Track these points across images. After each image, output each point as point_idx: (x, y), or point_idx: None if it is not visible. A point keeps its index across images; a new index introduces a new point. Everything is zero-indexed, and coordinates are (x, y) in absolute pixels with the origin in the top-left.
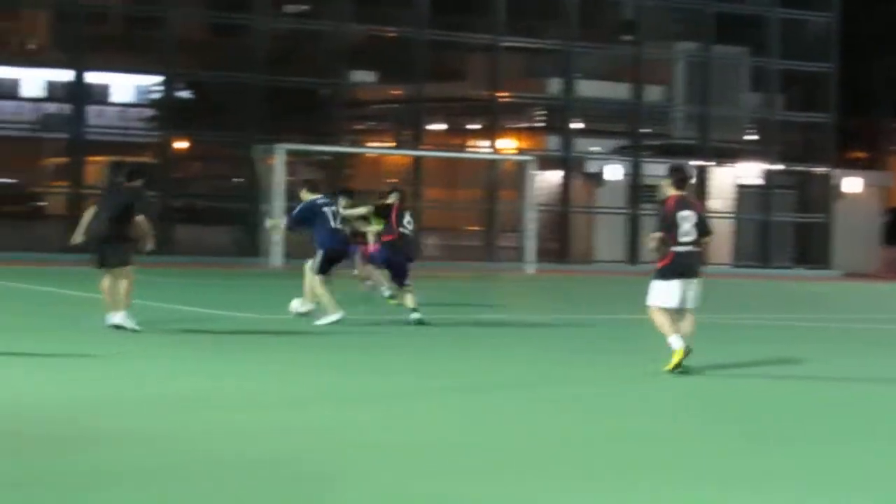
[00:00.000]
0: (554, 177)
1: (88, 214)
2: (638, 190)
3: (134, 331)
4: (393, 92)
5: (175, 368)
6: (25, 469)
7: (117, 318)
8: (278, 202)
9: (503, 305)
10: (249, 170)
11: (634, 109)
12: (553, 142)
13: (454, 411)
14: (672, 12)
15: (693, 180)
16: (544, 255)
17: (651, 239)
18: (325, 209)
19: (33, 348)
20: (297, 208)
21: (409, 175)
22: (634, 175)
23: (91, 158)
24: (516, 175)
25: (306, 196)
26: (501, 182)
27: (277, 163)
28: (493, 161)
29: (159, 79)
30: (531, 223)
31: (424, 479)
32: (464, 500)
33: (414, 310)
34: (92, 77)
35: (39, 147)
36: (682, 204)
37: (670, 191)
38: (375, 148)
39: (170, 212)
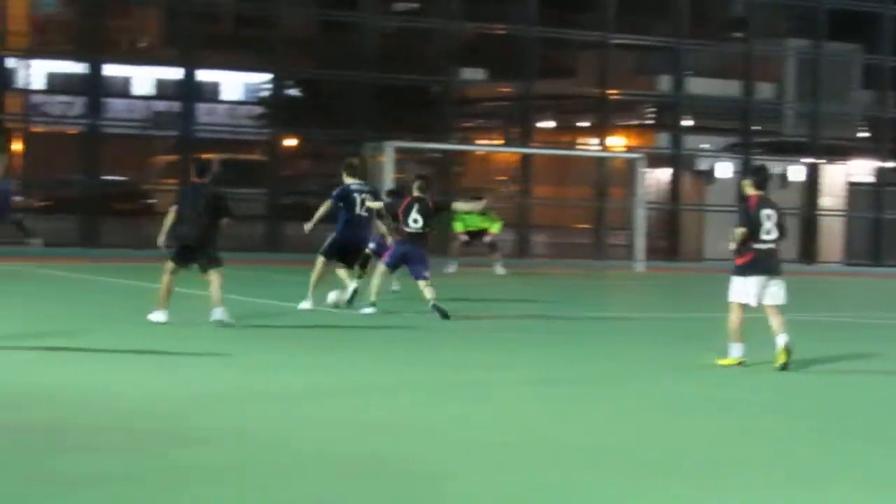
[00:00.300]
0: (663, 174)
1: (171, 215)
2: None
3: (230, 325)
4: (502, 89)
5: (278, 365)
6: (134, 464)
7: (218, 314)
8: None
9: (612, 303)
10: (359, 167)
11: (745, 107)
12: (663, 139)
13: (553, 408)
14: (783, 9)
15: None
16: (654, 253)
17: (734, 235)
18: (356, 195)
19: (140, 345)
20: (336, 190)
21: (518, 172)
22: (744, 173)
23: (201, 156)
24: (626, 172)
25: (345, 179)
26: (611, 180)
27: (387, 160)
28: (602, 158)
29: (269, 77)
30: (641, 221)
31: (527, 476)
32: (572, 499)
33: (434, 305)
34: (202, 75)
35: (149, 145)
36: (764, 203)
37: (751, 190)
38: (484, 145)
39: (279, 209)
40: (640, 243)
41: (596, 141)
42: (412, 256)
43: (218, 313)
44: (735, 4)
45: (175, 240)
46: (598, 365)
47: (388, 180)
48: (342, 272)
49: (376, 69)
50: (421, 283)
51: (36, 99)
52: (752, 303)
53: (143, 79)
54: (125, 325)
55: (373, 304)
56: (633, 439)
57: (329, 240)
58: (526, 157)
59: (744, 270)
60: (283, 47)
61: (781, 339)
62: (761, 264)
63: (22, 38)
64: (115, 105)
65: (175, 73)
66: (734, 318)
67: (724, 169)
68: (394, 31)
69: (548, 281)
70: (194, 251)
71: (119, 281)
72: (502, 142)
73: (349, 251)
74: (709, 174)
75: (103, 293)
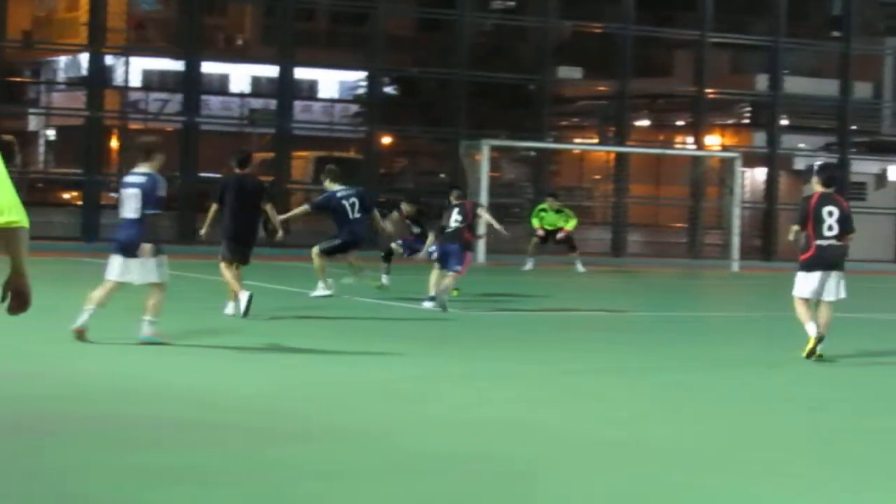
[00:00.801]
0: (759, 174)
1: (213, 210)
2: (846, 187)
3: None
4: (598, 88)
5: (370, 359)
6: (236, 461)
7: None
8: (483, 197)
9: (709, 302)
10: (455, 165)
11: (842, 106)
12: (759, 138)
13: (655, 405)
14: (882, 7)
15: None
16: (748, 252)
17: (791, 232)
18: (344, 201)
19: (231, 341)
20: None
21: (613, 171)
22: (842, 172)
23: (297, 153)
24: (722, 172)
25: (329, 186)
26: (707, 179)
27: (483, 158)
28: (698, 158)
29: (365, 74)
30: (736, 220)
31: (632, 474)
32: (680, 499)
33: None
34: (298, 73)
35: (246, 142)
36: (826, 200)
37: (818, 188)
38: (580, 144)
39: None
40: (735, 242)
41: (692, 140)
42: (451, 251)
43: (233, 306)
44: (833, 3)
45: (222, 235)
46: (701, 362)
47: (484, 178)
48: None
49: (472, 67)
50: (449, 274)
51: (133, 96)
52: (812, 296)
53: (240, 76)
54: (219, 321)
55: (431, 299)
56: (739, 438)
57: (329, 242)
58: (621, 156)
59: (807, 266)
60: (380, 45)
61: (812, 329)
62: (823, 260)
63: (120, 35)
64: (212, 102)
65: (271, 71)
66: (799, 308)
67: None
68: (490, 28)
69: (642, 279)
70: (241, 244)
71: (215, 278)
72: (597, 140)
73: (349, 249)
74: (805, 174)
75: (199, 290)
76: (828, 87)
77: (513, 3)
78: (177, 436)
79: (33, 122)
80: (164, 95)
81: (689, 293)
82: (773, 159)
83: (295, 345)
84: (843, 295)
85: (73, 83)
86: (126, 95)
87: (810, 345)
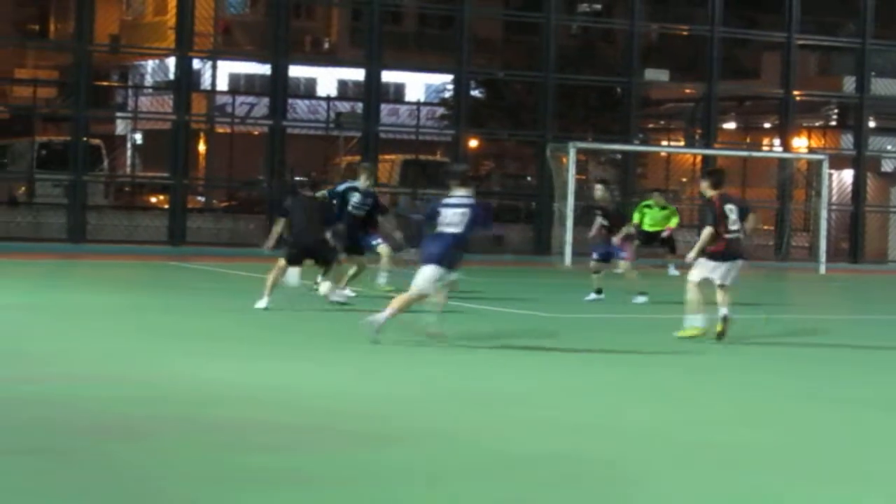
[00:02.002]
0: (847, 175)
1: (279, 224)
2: None
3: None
4: (685, 90)
5: (455, 364)
6: (328, 463)
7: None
8: (570, 200)
9: (797, 304)
10: (542, 167)
11: None
12: (846, 140)
13: (732, 409)
14: None
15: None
16: (836, 254)
17: (705, 233)
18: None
19: (317, 345)
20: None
21: (700, 174)
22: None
23: (384, 156)
24: (809, 174)
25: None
26: (794, 181)
27: (569, 161)
28: (785, 160)
29: (451, 77)
30: (823, 222)
31: (724, 479)
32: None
33: None
34: (385, 75)
35: (333, 145)
36: (727, 199)
37: (712, 191)
38: (667, 147)
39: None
40: (823, 245)
41: (779, 142)
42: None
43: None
44: None
45: (289, 245)
46: (797, 367)
47: (571, 181)
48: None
49: (559, 69)
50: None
51: (220, 100)
52: (718, 281)
53: (327, 79)
54: (305, 325)
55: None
56: (832, 443)
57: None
58: (708, 159)
59: (714, 256)
60: (468, 47)
61: (700, 320)
62: (731, 252)
63: (208, 39)
64: (299, 105)
65: (358, 74)
66: (695, 297)
67: None
68: (577, 31)
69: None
70: (308, 254)
71: (304, 282)
72: (684, 143)
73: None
74: (893, 175)
75: (287, 294)
76: None
77: (599, 6)
78: (268, 438)
79: (121, 126)
80: (251, 99)
81: (779, 295)
82: (860, 161)
83: (381, 349)
84: (735, 282)
85: (161, 87)
86: (213, 99)
87: (720, 327)
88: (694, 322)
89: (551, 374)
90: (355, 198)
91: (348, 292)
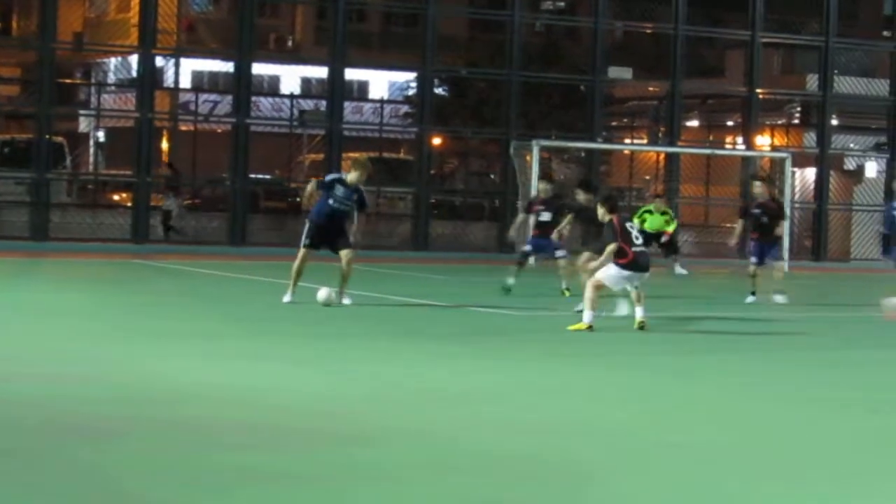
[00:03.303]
0: (810, 174)
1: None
2: None
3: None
4: (649, 88)
5: (428, 363)
6: (301, 462)
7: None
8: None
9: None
10: (506, 165)
11: (893, 105)
12: (810, 138)
13: (701, 409)
14: None
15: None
16: (799, 252)
17: (607, 253)
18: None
19: (291, 344)
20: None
21: (664, 171)
22: (892, 172)
23: (347, 154)
24: (772, 172)
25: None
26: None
27: (533, 158)
28: (748, 158)
29: (416, 75)
30: (786, 220)
31: (688, 479)
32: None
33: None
34: (349, 73)
35: (297, 143)
36: (624, 218)
37: (608, 216)
38: (630, 144)
39: (426, 208)
40: (786, 243)
41: (742, 140)
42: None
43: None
44: (884, 3)
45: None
46: (770, 366)
47: (534, 178)
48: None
49: (524, 67)
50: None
51: (184, 97)
52: (632, 287)
53: (291, 77)
54: (275, 324)
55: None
56: (798, 442)
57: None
58: (671, 156)
59: (625, 267)
60: (431, 45)
61: (589, 317)
62: (638, 264)
63: (171, 37)
64: (262, 103)
65: (322, 72)
66: (594, 295)
67: (871, 168)
68: (542, 29)
69: (698, 280)
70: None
71: (269, 280)
72: (647, 141)
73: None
74: (856, 174)
75: (253, 292)
76: (879, 87)
77: (563, 4)
78: (240, 438)
79: (84, 124)
80: (214, 97)
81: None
82: (823, 159)
83: (362, 348)
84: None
85: (124, 84)
86: (176, 97)
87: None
88: (586, 318)
89: (523, 372)
90: (339, 191)
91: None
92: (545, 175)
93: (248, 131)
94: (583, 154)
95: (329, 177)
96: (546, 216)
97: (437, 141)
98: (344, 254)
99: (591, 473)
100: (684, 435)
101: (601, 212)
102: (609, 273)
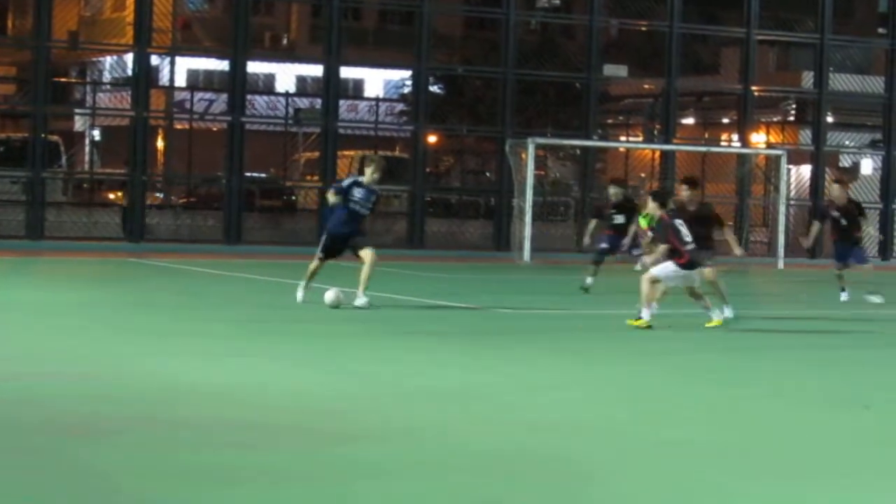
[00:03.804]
0: (805, 171)
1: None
2: (891, 184)
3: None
4: (644, 86)
5: (424, 362)
6: (296, 460)
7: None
8: (529, 195)
9: (762, 300)
10: (502, 163)
11: (888, 103)
12: (805, 136)
13: (697, 407)
14: None
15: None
16: (795, 249)
17: (658, 252)
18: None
19: (290, 343)
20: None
21: (659, 169)
22: (888, 169)
23: (342, 152)
24: (767, 169)
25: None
26: (752, 176)
27: (529, 156)
28: (743, 155)
29: (411, 73)
30: (783, 217)
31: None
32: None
33: None
34: (345, 72)
35: (292, 141)
36: (674, 214)
37: (659, 211)
38: (626, 142)
39: (422, 206)
40: (781, 240)
41: (737, 137)
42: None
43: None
44: (880, 0)
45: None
46: (769, 366)
47: (530, 176)
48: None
49: (519, 65)
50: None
51: (179, 96)
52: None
53: (286, 75)
54: (272, 323)
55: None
56: (792, 441)
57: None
58: (667, 154)
59: (684, 266)
60: (427, 43)
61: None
62: (693, 262)
63: (166, 35)
64: (258, 102)
65: (317, 70)
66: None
67: (867, 165)
68: (537, 27)
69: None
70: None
71: (265, 279)
72: (643, 138)
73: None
74: (851, 171)
75: (250, 291)
76: (874, 84)
77: (558, 2)
78: (233, 436)
79: (79, 123)
80: (209, 95)
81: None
82: (818, 157)
83: (360, 348)
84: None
85: (119, 83)
86: (171, 95)
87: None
88: (643, 315)
89: (515, 369)
90: (358, 193)
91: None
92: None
93: (244, 130)
94: (578, 152)
95: (345, 181)
96: (620, 219)
97: (432, 139)
98: (365, 254)
99: (590, 472)
100: (679, 432)
101: (652, 206)
102: (666, 270)
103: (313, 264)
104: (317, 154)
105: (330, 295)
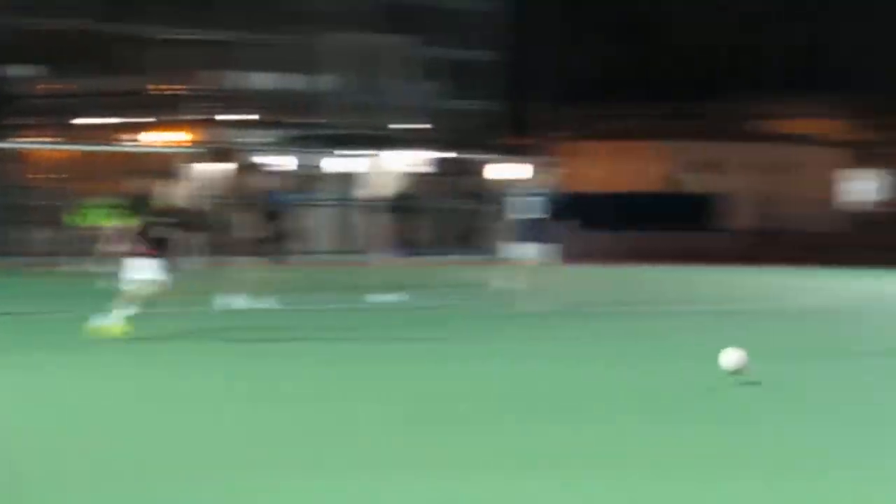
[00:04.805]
0: (215, 168)
1: None
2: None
3: None
4: (57, 86)
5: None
6: None
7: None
8: None
9: None
10: None
11: (301, 100)
12: (220, 133)
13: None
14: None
15: None
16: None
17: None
18: None
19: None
20: None
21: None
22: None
23: None
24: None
25: None
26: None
27: None
28: (154, 153)
29: None
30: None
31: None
32: None
33: None
34: None
35: None
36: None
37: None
38: (27, 143)
39: None
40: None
41: (145, 136)
42: None
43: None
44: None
45: None
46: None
47: None
48: None
49: None
50: None
51: None
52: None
53: None
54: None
55: None
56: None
57: None
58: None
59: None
60: None
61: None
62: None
63: None
64: None
65: None
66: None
67: (291, 162)
68: None
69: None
70: None
71: None
72: (51, 139)
73: None
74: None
75: None
76: (293, 82)
77: None
78: None
79: None
80: None
81: None
82: (226, 153)
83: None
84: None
85: None
86: None
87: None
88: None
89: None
90: None
91: None
92: None
93: None
94: None
95: None
96: None
97: None
98: None
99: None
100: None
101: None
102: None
103: None
104: None
105: None
